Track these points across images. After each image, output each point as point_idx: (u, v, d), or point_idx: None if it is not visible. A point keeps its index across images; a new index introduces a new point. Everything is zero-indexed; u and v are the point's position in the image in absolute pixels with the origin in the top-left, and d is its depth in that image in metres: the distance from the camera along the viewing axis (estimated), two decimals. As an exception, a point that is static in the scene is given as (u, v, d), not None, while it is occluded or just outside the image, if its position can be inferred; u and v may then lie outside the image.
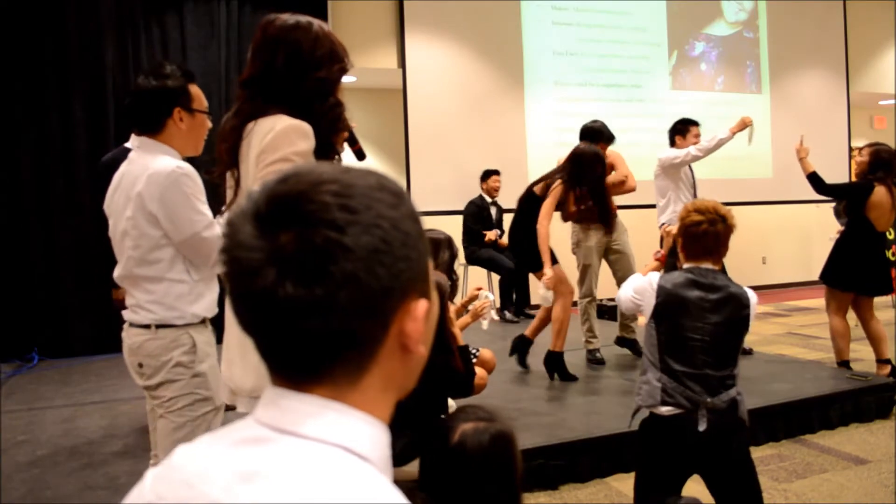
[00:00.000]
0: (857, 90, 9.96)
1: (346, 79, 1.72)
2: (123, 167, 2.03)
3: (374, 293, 0.55)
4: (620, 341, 5.03)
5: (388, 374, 0.61)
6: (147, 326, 1.93)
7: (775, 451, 3.50)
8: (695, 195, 5.05)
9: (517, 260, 4.56)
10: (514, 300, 6.80)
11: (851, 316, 4.58)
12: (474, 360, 3.44)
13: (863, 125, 10.90)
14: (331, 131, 1.63)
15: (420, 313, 0.60)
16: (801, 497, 2.97)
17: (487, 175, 6.90)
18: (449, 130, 7.57)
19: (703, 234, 2.23)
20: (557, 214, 4.49)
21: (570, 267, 4.66)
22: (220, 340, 1.77)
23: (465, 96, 7.67)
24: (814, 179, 4.54)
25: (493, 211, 6.89)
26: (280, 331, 0.56)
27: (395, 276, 0.56)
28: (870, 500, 2.94)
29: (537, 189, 4.41)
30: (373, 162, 8.05)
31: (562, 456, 3.14)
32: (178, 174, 1.88)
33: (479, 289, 3.40)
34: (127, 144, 3.42)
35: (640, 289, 2.34)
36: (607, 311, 6.28)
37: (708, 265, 2.27)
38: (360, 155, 1.78)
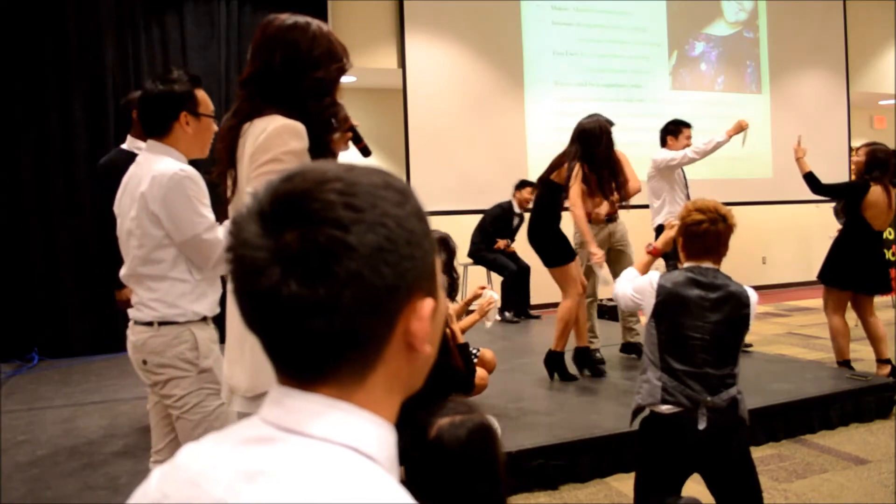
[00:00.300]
0: (857, 90, 9.96)
1: (346, 79, 1.72)
2: (132, 169, 2.08)
3: (378, 292, 0.55)
4: (627, 348, 5.00)
5: (393, 374, 0.60)
6: (150, 324, 1.98)
7: (775, 451, 3.50)
8: (687, 196, 5.07)
9: (540, 255, 4.41)
10: (516, 302, 6.80)
11: (851, 316, 4.59)
12: (475, 360, 3.44)
13: (863, 125, 10.90)
14: (325, 131, 1.64)
15: (426, 312, 0.59)
16: (801, 497, 2.97)
17: (522, 185, 6.80)
18: (449, 130, 7.57)
19: (704, 234, 2.24)
20: (564, 215, 4.42)
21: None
22: (223, 340, 1.78)
23: (465, 96, 7.67)
24: (810, 179, 4.57)
25: (515, 221, 6.85)
26: (284, 330, 0.55)
27: (400, 274, 0.56)
28: (870, 500, 2.94)
29: (556, 177, 4.28)
30: (373, 162, 8.01)
31: (562, 456, 3.14)
32: (181, 176, 1.93)
33: (483, 287, 3.41)
34: (123, 146, 3.44)
35: (639, 288, 2.34)
36: (607, 311, 6.29)
37: (708, 264, 2.27)
38: (366, 152, 1.79)
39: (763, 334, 6.23)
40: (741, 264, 7.03)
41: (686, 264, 2.31)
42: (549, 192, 4.34)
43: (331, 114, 1.64)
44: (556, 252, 4.29)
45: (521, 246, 6.78)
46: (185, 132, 2.05)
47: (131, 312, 2.04)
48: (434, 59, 7.54)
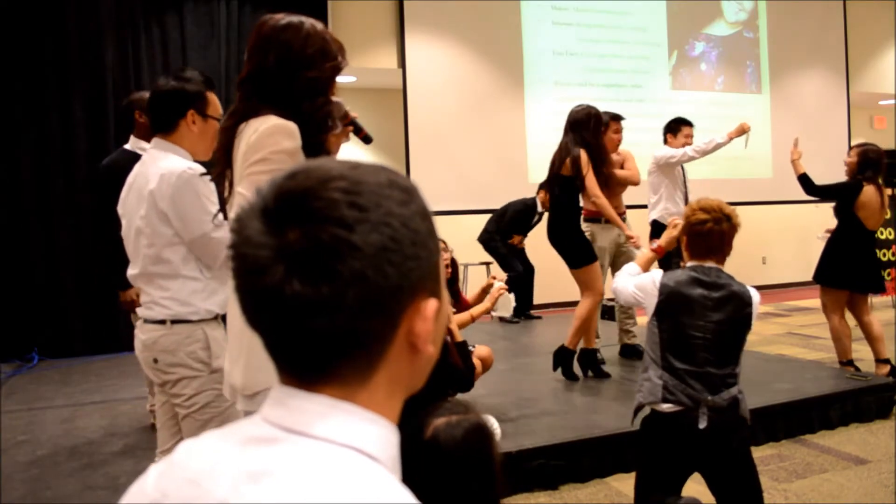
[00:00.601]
0: (857, 90, 9.96)
1: (346, 79, 1.73)
2: (137, 167, 2.08)
3: (382, 292, 0.55)
4: (626, 351, 4.97)
5: (396, 374, 0.60)
6: (162, 322, 1.97)
7: (775, 451, 3.50)
8: (686, 194, 5.09)
9: (563, 256, 4.35)
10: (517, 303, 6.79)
11: (851, 316, 4.60)
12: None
13: (863, 125, 10.90)
14: (319, 131, 1.64)
15: (430, 313, 0.59)
16: (801, 497, 2.97)
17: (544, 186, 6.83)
18: (449, 130, 7.57)
19: (708, 233, 2.24)
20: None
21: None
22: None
23: (465, 96, 7.67)
24: (804, 181, 4.64)
25: (535, 218, 6.88)
26: (287, 329, 0.55)
27: (404, 274, 0.56)
28: (870, 500, 2.94)
29: (565, 171, 4.24)
30: (374, 161, 8.01)
31: (562, 456, 3.14)
32: (190, 175, 1.94)
33: (494, 278, 3.43)
34: (126, 146, 3.43)
35: (641, 286, 2.34)
36: (607, 311, 6.28)
37: (711, 264, 2.27)
38: (368, 140, 1.80)
39: (763, 334, 6.23)
40: (741, 264, 7.00)
41: (689, 263, 2.31)
42: (562, 189, 4.32)
43: (325, 113, 1.64)
44: (579, 253, 4.29)
45: (531, 245, 6.81)
46: (190, 131, 2.05)
47: (141, 311, 2.03)
48: (434, 59, 7.54)
